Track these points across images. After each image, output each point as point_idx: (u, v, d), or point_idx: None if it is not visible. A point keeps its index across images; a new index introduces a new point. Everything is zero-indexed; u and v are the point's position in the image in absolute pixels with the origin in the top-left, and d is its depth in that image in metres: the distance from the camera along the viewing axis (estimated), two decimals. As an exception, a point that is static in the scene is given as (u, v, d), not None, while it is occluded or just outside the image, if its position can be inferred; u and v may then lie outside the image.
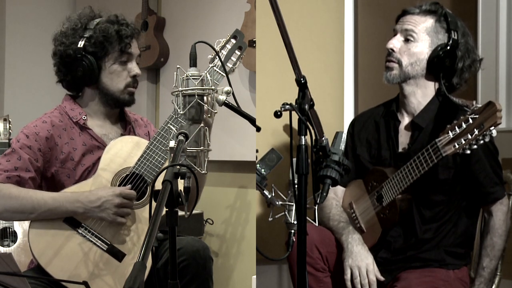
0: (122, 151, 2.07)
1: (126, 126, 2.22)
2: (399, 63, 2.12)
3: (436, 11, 2.10)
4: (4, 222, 2.93)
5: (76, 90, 2.17)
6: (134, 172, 2.03)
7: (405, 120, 2.19)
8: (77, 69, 2.08)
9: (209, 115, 1.84)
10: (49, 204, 1.96)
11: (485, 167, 2.04)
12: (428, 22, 2.10)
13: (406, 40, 2.11)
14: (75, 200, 1.96)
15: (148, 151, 2.03)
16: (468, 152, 1.83)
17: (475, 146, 1.81)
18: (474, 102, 1.85)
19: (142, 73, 2.26)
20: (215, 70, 1.99)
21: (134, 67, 2.13)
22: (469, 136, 1.80)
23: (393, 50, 2.12)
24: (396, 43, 2.12)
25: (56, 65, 2.13)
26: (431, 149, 1.92)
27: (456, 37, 2.07)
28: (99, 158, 2.07)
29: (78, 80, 2.11)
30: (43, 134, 2.05)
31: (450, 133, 1.85)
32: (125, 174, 2.04)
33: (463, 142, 1.82)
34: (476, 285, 2.06)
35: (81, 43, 2.06)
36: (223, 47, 2.10)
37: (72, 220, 1.98)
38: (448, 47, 2.07)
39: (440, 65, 2.08)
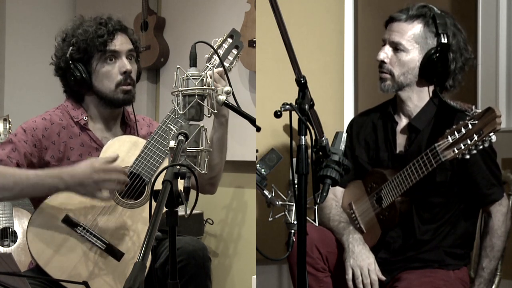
0: (120, 151, 2.06)
1: (126, 130, 2.21)
2: (391, 74, 2.11)
3: (424, 15, 2.07)
4: (4, 222, 2.93)
5: (78, 99, 2.16)
6: (132, 172, 2.03)
7: (402, 122, 2.19)
8: (70, 79, 2.08)
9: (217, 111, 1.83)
10: (31, 178, 1.93)
11: (481, 169, 2.04)
12: (415, 28, 2.06)
13: (396, 50, 2.09)
14: (56, 176, 1.93)
15: (145, 151, 2.03)
16: (468, 157, 1.83)
17: (474, 151, 1.81)
18: (473, 107, 1.84)
19: (142, 73, 2.25)
20: (212, 69, 1.99)
21: (123, 64, 2.09)
22: (469, 142, 1.80)
23: (383, 62, 2.11)
24: (386, 54, 2.11)
25: (59, 79, 2.15)
26: (430, 154, 1.91)
27: (446, 40, 2.04)
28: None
29: (75, 89, 2.11)
30: (40, 130, 2.05)
31: (449, 138, 1.85)
32: (123, 174, 2.04)
33: (463, 147, 1.82)
34: (476, 285, 2.07)
35: (68, 53, 2.07)
36: (219, 46, 2.10)
37: (70, 220, 1.98)
38: (438, 53, 2.04)
39: (432, 70, 2.07)
